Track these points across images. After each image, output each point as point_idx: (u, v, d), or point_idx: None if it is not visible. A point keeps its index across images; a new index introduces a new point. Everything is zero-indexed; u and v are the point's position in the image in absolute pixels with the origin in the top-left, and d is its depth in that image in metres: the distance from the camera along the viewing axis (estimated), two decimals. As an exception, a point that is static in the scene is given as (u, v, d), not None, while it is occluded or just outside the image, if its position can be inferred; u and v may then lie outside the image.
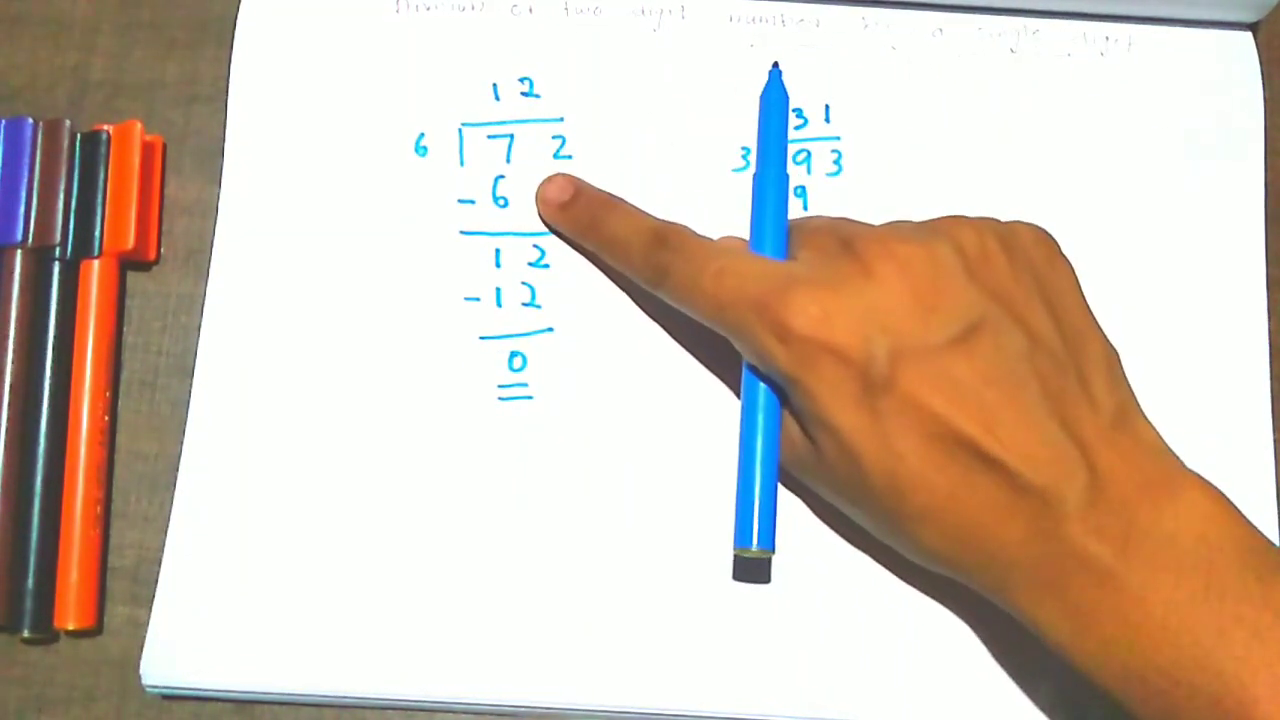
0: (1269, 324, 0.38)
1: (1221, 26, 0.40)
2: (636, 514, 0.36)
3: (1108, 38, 0.40)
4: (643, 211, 0.37)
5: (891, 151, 0.39)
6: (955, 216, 0.34)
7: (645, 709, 0.35)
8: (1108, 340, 0.33)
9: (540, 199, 0.38)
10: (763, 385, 0.33)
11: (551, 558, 0.36)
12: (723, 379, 0.37)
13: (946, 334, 0.31)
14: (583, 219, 0.38)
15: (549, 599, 0.35)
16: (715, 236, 0.38)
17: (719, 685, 0.35)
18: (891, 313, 0.31)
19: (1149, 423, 0.32)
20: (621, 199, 0.38)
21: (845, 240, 0.33)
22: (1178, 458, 0.31)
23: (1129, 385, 0.33)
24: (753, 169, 0.38)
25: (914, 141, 0.39)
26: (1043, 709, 0.34)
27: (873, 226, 0.34)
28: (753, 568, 0.36)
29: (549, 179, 0.38)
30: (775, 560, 0.36)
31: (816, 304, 0.31)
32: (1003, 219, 0.34)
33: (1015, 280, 0.32)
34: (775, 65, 0.37)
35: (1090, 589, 0.29)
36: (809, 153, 0.39)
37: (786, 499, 0.36)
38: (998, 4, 0.40)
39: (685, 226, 0.36)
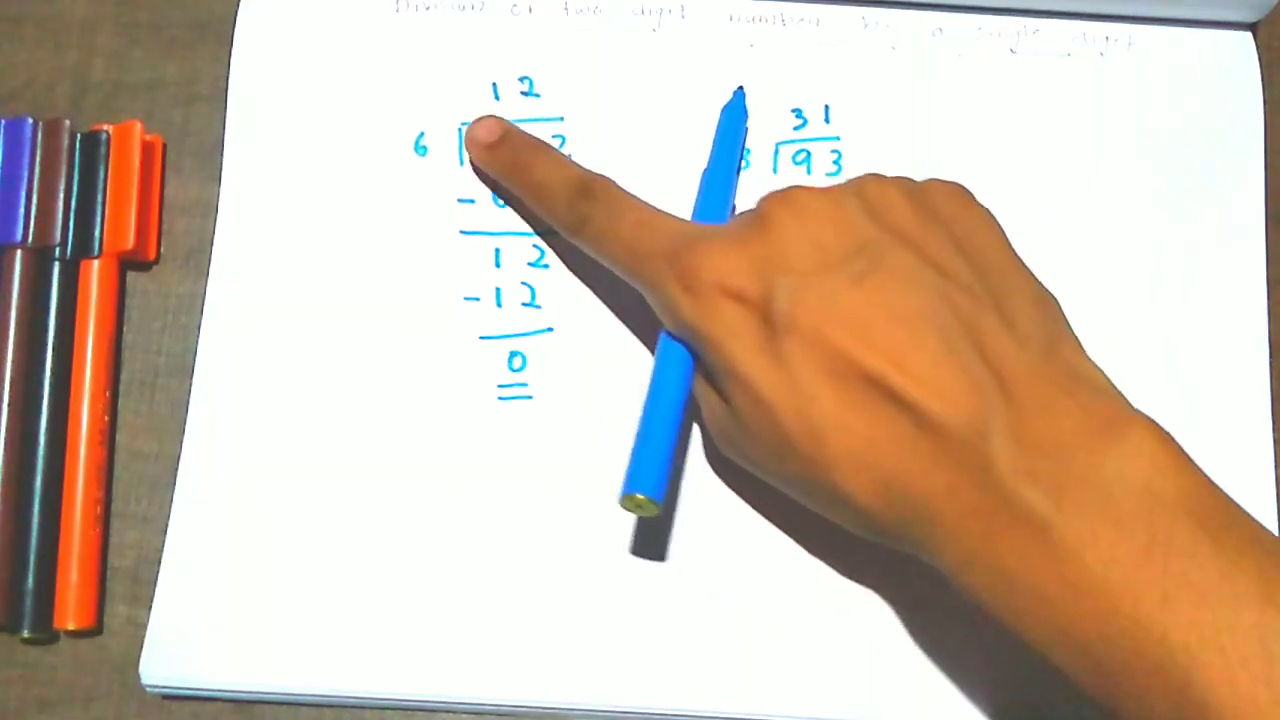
0: (1269, 324, 0.38)
1: (1221, 26, 0.40)
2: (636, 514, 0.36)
3: (1108, 38, 0.40)
4: (571, 161, 0.37)
5: (891, 151, 0.39)
6: (863, 174, 0.33)
7: (645, 709, 0.35)
8: (1040, 283, 0.32)
9: (468, 139, 0.39)
10: (676, 345, 0.33)
11: (551, 558, 0.36)
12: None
13: (848, 271, 0.30)
14: (509, 161, 0.38)
15: (549, 599, 0.35)
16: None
17: (719, 685, 0.35)
18: (790, 255, 0.31)
19: (1091, 361, 0.30)
20: (550, 146, 0.38)
21: (759, 201, 0.33)
22: (1124, 398, 0.29)
23: (1068, 325, 0.31)
24: (745, 170, 0.38)
25: (914, 141, 0.39)
26: (1038, 708, 0.34)
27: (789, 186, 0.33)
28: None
29: (478, 120, 0.39)
30: (775, 560, 0.36)
31: (719, 254, 0.31)
32: (988, 209, 0.33)
33: (921, 223, 0.31)
34: (740, 89, 0.39)
35: (1022, 543, 0.27)
36: (809, 153, 0.39)
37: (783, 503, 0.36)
38: (998, 4, 0.40)
39: (611, 179, 0.36)
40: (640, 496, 0.32)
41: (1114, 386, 0.29)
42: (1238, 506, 0.27)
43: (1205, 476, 0.27)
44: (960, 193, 0.33)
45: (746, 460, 0.33)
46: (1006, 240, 0.33)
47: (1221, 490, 0.27)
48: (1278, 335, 0.38)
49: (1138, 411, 0.28)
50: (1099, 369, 0.30)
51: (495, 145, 0.38)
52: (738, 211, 0.35)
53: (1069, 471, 0.27)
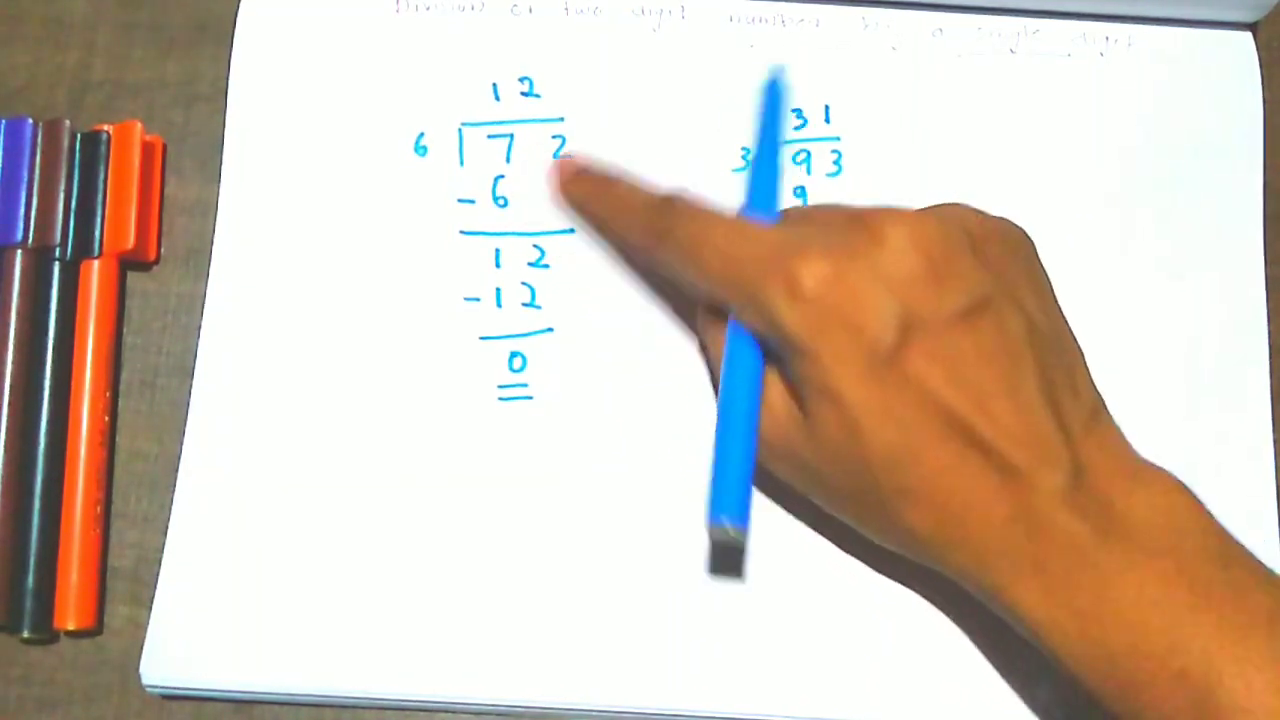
0: (1269, 324, 0.38)
1: (1221, 26, 0.40)
2: (636, 514, 0.36)
3: (1108, 38, 0.40)
4: (650, 182, 0.37)
5: (891, 152, 0.39)
6: (953, 203, 0.34)
7: (645, 709, 0.35)
8: (1075, 338, 0.34)
9: (550, 177, 0.38)
10: (750, 349, 0.33)
11: (551, 558, 0.36)
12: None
13: (954, 307, 0.31)
14: (589, 190, 0.38)
15: (549, 599, 0.35)
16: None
17: (719, 685, 0.35)
18: (903, 280, 0.31)
19: (1113, 422, 0.33)
20: (628, 172, 0.37)
21: (853, 214, 0.33)
22: (1139, 455, 0.32)
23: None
24: (745, 171, 0.38)
25: (914, 142, 0.39)
26: (1039, 711, 0.34)
27: (874, 206, 0.34)
28: (728, 558, 0.35)
29: (559, 159, 0.39)
30: (775, 560, 0.36)
31: (831, 265, 0.31)
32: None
33: (1014, 266, 0.33)
34: (781, 67, 0.38)
35: (1068, 568, 0.30)
36: (809, 153, 0.39)
37: (785, 499, 0.36)
38: (998, 4, 0.40)
39: (692, 192, 0.35)
40: (731, 527, 0.32)
41: (1130, 446, 0.32)
42: (1241, 544, 0.31)
43: (1217, 521, 0.31)
44: (1030, 240, 0.34)
45: (797, 469, 0.33)
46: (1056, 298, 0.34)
47: (1230, 534, 0.31)
48: (1278, 335, 0.38)
49: (1158, 466, 0.31)
50: (1117, 428, 0.33)
51: (577, 177, 0.38)
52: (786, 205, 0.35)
53: (1110, 510, 0.30)
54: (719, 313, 0.34)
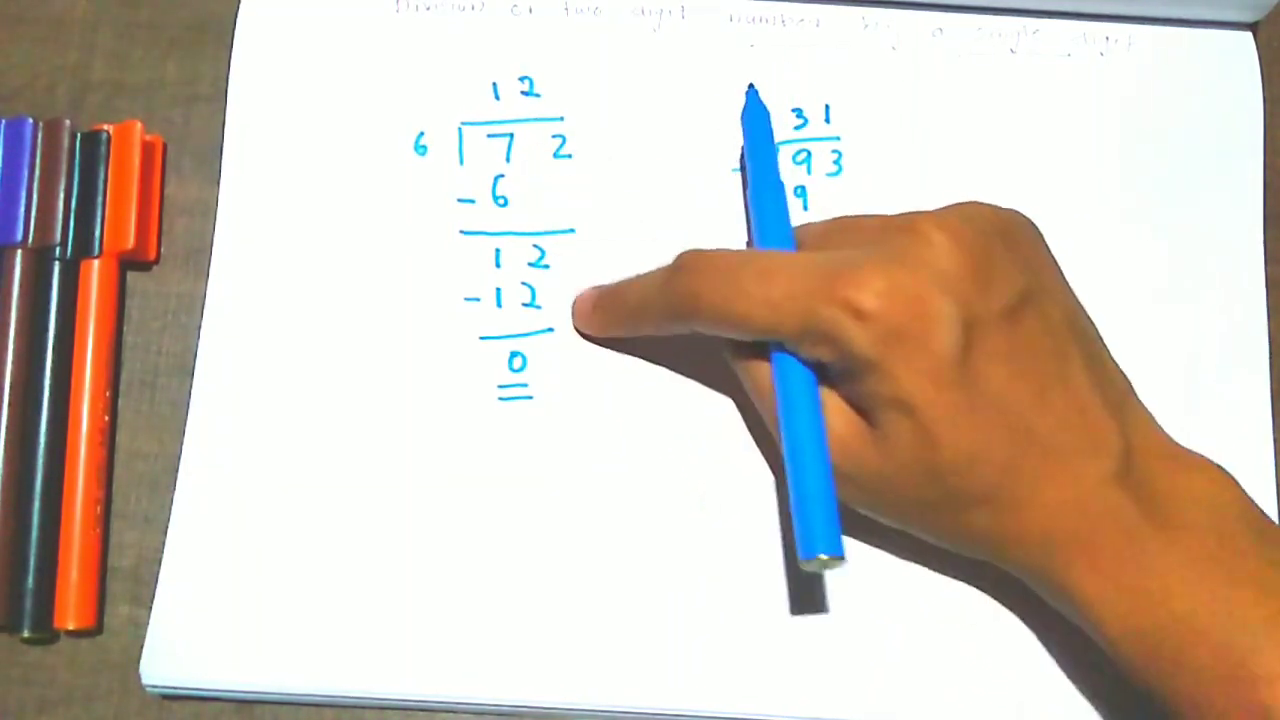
0: (1269, 324, 0.38)
1: (1221, 26, 0.40)
2: (636, 514, 0.36)
3: (1108, 38, 0.40)
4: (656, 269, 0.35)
5: (891, 151, 0.39)
6: (966, 202, 0.34)
7: (645, 709, 0.35)
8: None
9: (575, 317, 0.38)
10: (803, 377, 0.32)
11: (551, 558, 0.36)
12: (722, 379, 0.37)
13: (1003, 304, 0.31)
14: (610, 302, 0.37)
15: (549, 599, 0.35)
16: (716, 239, 0.38)
17: (719, 685, 0.35)
18: (957, 280, 0.31)
19: (1142, 402, 0.34)
20: (636, 274, 0.36)
21: (884, 222, 0.32)
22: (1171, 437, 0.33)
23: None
24: (745, 185, 0.38)
25: (914, 141, 0.39)
26: (1043, 707, 0.34)
27: (891, 215, 0.33)
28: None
29: (578, 297, 0.38)
30: (776, 560, 0.36)
31: (885, 278, 0.30)
32: None
33: (1039, 256, 0.33)
34: (751, 86, 0.38)
35: (1117, 546, 0.31)
36: (809, 152, 0.39)
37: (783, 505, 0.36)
38: (998, 4, 0.40)
39: (692, 250, 0.35)
40: (828, 558, 0.31)
41: (1161, 427, 0.33)
42: (1275, 523, 0.32)
43: (1252, 500, 0.32)
44: (1039, 230, 0.34)
45: (861, 487, 0.33)
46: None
47: (1263, 511, 0.32)
48: (1278, 335, 0.38)
49: (1187, 448, 0.33)
50: (1147, 409, 0.34)
51: (596, 304, 0.37)
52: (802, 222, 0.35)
53: (1155, 489, 0.31)
54: (752, 347, 0.34)
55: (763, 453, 0.37)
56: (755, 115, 0.37)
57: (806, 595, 0.35)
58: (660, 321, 0.35)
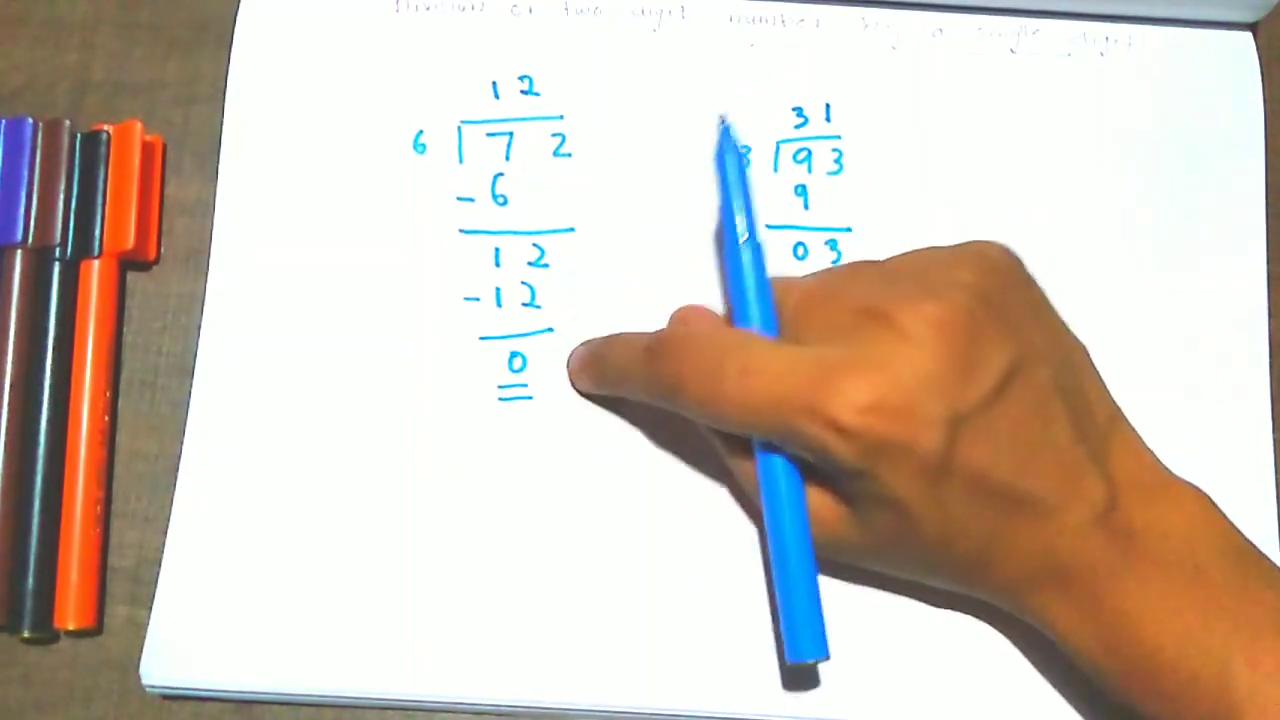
0: (1269, 323, 0.38)
1: (1221, 26, 0.40)
2: (636, 514, 0.36)
3: (1108, 38, 0.40)
4: (638, 332, 0.35)
5: (892, 151, 0.39)
6: (935, 255, 0.33)
7: (645, 709, 0.34)
8: (1076, 338, 0.34)
9: (569, 375, 0.37)
10: (788, 475, 0.32)
11: (551, 558, 0.36)
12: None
13: (987, 388, 0.30)
14: (595, 366, 0.36)
15: (549, 599, 0.35)
16: (715, 237, 0.38)
17: (719, 685, 0.35)
18: (939, 379, 0.30)
19: (1130, 425, 0.34)
20: (623, 333, 0.36)
21: (861, 308, 0.31)
22: (1158, 459, 0.33)
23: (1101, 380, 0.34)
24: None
25: (914, 141, 0.39)
26: (1043, 707, 0.34)
27: (873, 283, 0.32)
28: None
29: (571, 354, 0.37)
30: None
31: (868, 390, 0.30)
32: (975, 228, 0.34)
33: (1021, 312, 0.32)
34: (723, 119, 0.35)
35: (1092, 586, 0.31)
36: (809, 151, 0.39)
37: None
38: (998, 4, 0.40)
39: (676, 328, 0.35)
40: (814, 661, 0.32)
41: (1149, 449, 0.33)
42: (1259, 551, 0.32)
43: (1234, 526, 0.32)
44: (1017, 260, 0.33)
45: (844, 554, 0.34)
46: (1049, 301, 0.34)
47: (1246, 537, 0.32)
48: (1278, 335, 0.38)
49: (1174, 474, 0.33)
50: (1135, 430, 0.33)
51: (582, 366, 0.37)
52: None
53: (1132, 526, 0.31)
54: (737, 439, 0.33)
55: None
56: (729, 156, 0.35)
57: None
58: (641, 396, 0.35)
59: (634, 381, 0.35)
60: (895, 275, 0.33)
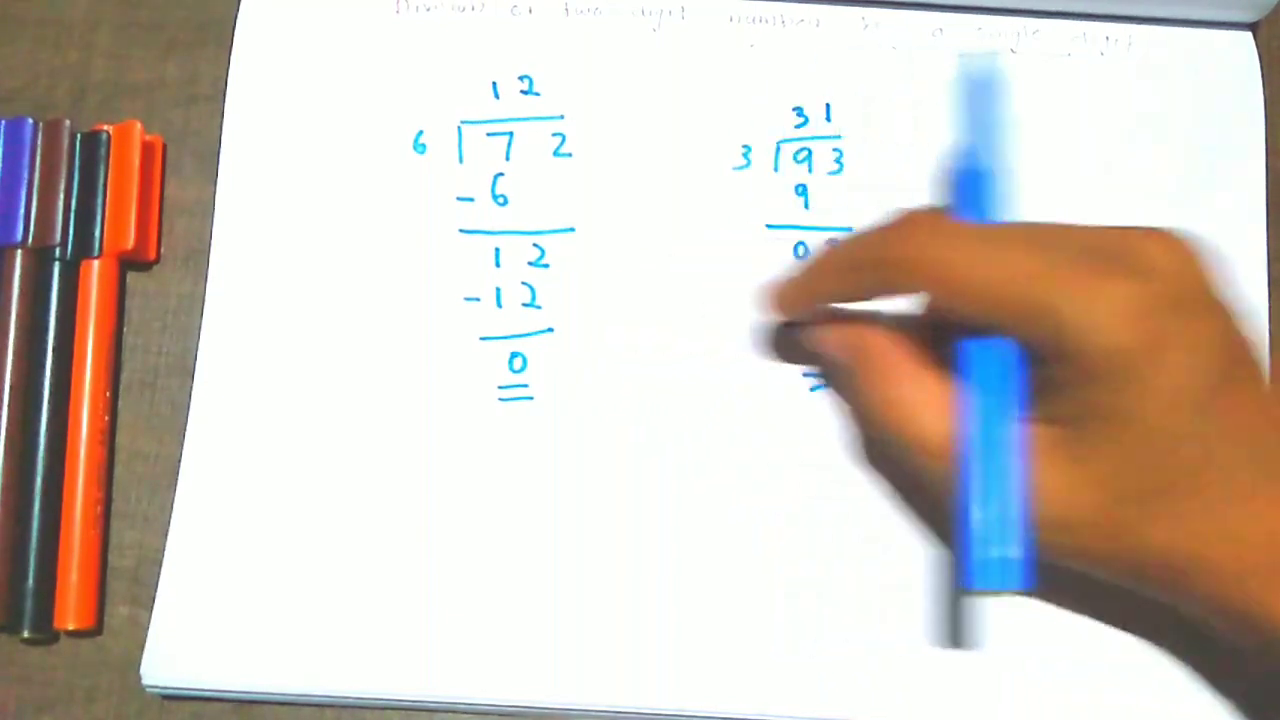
0: (1269, 324, 0.38)
1: (1221, 26, 0.40)
2: (636, 514, 0.36)
3: (1108, 38, 0.40)
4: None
5: (892, 150, 0.39)
6: (1146, 236, 0.30)
7: (645, 709, 0.35)
8: None
9: (770, 300, 0.35)
10: (1006, 361, 0.30)
11: (551, 558, 0.36)
12: (721, 381, 0.37)
13: (1232, 326, 0.30)
14: (812, 272, 0.34)
15: (550, 599, 0.35)
16: (715, 238, 0.38)
17: (720, 685, 0.35)
18: (1210, 299, 0.29)
19: None
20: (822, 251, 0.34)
21: (1116, 234, 0.30)
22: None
23: None
24: (746, 169, 0.38)
25: (915, 140, 0.39)
26: (1042, 707, 0.34)
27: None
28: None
29: (769, 283, 0.35)
30: (777, 560, 0.35)
31: (1144, 286, 0.28)
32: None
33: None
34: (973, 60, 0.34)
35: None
36: (810, 151, 0.39)
37: (790, 492, 0.36)
38: (998, 4, 0.40)
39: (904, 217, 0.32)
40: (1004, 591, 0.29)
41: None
42: None
43: None
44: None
45: (1061, 519, 0.30)
46: None
47: None
48: (1278, 335, 0.38)
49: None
50: None
51: (794, 277, 0.34)
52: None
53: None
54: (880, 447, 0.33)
55: (763, 457, 0.37)
56: (981, 84, 0.33)
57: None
58: (870, 284, 0.32)
59: (867, 268, 0.32)
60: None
